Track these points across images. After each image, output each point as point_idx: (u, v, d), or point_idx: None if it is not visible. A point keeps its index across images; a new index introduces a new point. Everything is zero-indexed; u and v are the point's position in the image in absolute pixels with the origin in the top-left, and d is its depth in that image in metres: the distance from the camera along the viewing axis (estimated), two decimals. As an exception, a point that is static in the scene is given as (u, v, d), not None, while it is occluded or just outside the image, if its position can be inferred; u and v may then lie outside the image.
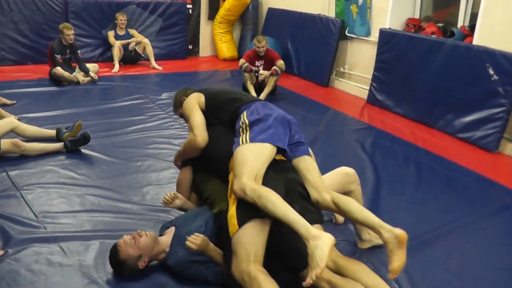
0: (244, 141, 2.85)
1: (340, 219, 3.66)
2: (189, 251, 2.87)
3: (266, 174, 2.76)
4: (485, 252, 3.50)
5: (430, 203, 4.18)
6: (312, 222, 2.69)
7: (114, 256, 2.94)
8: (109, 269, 3.04)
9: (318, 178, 2.92)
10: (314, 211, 2.82)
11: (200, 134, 3.23)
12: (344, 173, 3.31)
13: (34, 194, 4.01)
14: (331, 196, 2.84)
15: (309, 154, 3.02)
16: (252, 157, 2.75)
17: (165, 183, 4.31)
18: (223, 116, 3.28)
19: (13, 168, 4.44)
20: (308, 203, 2.84)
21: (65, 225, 3.57)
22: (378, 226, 2.64)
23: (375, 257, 3.29)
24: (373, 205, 4.00)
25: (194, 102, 3.39)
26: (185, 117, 3.50)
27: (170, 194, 3.37)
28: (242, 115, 3.05)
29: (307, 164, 2.95)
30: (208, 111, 3.37)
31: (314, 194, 2.87)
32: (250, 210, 2.58)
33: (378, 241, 3.32)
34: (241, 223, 2.57)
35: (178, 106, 3.74)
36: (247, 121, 2.97)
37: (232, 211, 2.65)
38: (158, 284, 2.97)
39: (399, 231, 2.56)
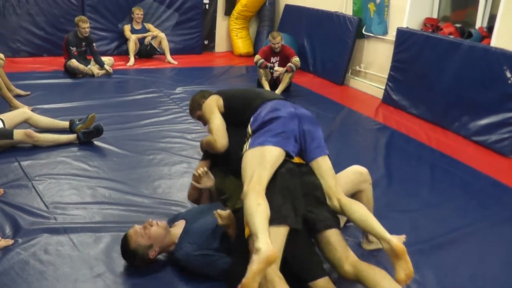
0: (245, 149, 2.88)
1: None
2: (218, 223, 2.86)
3: (282, 178, 2.76)
4: (500, 257, 3.44)
5: (444, 205, 4.12)
6: (323, 228, 2.75)
7: (125, 245, 2.93)
8: (118, 262, 3.04)
9: (329, 183, 2.88)
10: (327, 217, 2.80)
11: (220, 139, 3.25)
12: (357, 172, 3.27)
13: (45, 184, 4.02)
14: (339, 203, 2.82)
15: (324, 155, 2.96)
16: (249, 163, 2.77)
17: (177, 177, 4.30)
18: (240, 118, 3.24)
19: (25, 158, 4.46)
20: (323, 208, 2.83)
21: (76, 217, 3.57)
22: (379, 236, 2.63)
23: (383, 257, 3.24)
24: (386, 206, 3.95)
25: (214, 105, 3.38)
26: (204, 120, 3.50)
27: (204, 170, 3.32)
28: (249, 123, 3.06)
29: (320, 169, 2.91)
30: (226, 114, 3.36)
31: (328, 200, 2.87)
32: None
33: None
34: None
35: (196, 109, 3.70)
36: (249, 131, 2.99)
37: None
38: (164, 280, 2.96)
39: (395, 244, 2.53)
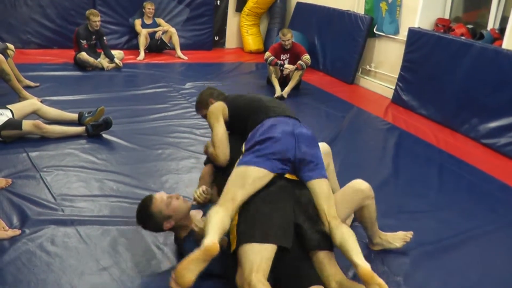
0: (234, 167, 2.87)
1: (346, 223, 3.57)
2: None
3: (272, 194, 2.76)
4: (507, 262, 3.41)
5: (451, 207, 4.09)
6: (312, 247, 2.74)
7: (146, 207, 2.91)
8: (125, 256, 3.05)
9: (322, 207, 2.82)
10: (316, 238, 2.76)
11: (221, 153, 3.25)
12: (358, 190, 3.11)
13: (53, 176, 4.03)
14: (329, 226, 2.76)
15: (319, 177, 2.88)
16: (231, 182, 2.78)
17: (184, 172, 4.30)
18: (243, 130, 3.23)
19: (33, 149, 4.47)
20: (314, 227, 2.79)
21: (83, 209, 3.58)
22: (350, 260, 2.56)
23: (390, 259, 3.24)
24: (393, 206, 3.94)
25: (219, 113, 3.37)
26: (208, 123, 3.47)
27: (206, 190, 3.31)
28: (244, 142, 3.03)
29: (314, 192, 2.85)
30: (230, 123, 3.36)
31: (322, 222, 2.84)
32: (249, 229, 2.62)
33: (389, 245, 3.29)
34: (238, 241, 2.61)
35: (203, 107, 3.68)
36: (242, 150, 2.96)
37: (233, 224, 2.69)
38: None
39: (362, 268, 2.45)
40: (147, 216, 2.91)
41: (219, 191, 3.46)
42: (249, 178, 2.73)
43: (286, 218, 2.72)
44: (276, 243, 2.60)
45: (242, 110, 3.35)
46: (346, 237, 2.67)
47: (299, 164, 2.86)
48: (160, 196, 2.93)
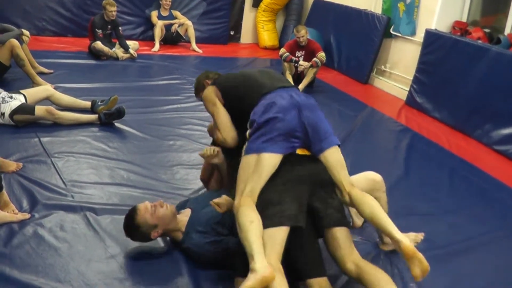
0: (242, 154, 2.81)
1: (358, 223, 3.55)
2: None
3: (284, 173, 2.71)
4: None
5: (461, 212, 4.05)
6: (328, 225, 2.70)
7: (131, 218, 2.91)
8: (133, 245, 3.04)
9: (338, 177, 2.78)
10: (333, 214, 2.73)
11: (228, 136, 3.16)
12: (371, 179, 3.15)
13: (64, 162, 4.04)
14: (350, 197, 2.74)
15: (331, 146, 2.81)
16: (243, 172, 2.72)
17: (195, 164, 4.28)
18: (239, 113, 3.13)
19: (45, 135, 4.49)
20: (330, 204, 2.75)
21: (93, 196, 3.59)
22: (389, 235, 2.57)
23: (399, 261, 3.21)
24: (403, 208, 3.91)
25: (214, 97, 3.24)
26: (207, 111, 3.38)
27: (218, 152, 3.30)
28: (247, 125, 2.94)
29: (327, 162, 2.78)
30: (226, 106, 3.23)
31: (338, 194, 2.80)
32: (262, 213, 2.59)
33: None
34: None
35: (200, 90, 3.61)
36: (247, 135, 2.88)
37: None
38: (178, 264, 2.96)
39: (404, 246, 2.45)
40: (133, 228, 2.92)
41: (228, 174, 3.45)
42: (262, 166, 2.67)
43: (299, 199, 2.67)
44: (289, 224, 2.58)
45: (234, 90, 3.21)
46: (377, 210, 2.66)
47: (306, 135, 2.76)
48: (144, 206, 2.93)
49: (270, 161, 2.69)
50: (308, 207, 2.70)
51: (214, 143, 3.50)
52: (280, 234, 2.53)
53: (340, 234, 2.70)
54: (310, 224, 2.72)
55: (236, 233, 2.61)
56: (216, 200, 2.86)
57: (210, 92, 3.27)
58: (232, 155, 3.26)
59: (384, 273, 2.60)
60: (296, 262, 2.67)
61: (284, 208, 2.60)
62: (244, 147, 2.84)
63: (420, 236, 3.23)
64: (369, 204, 2.70)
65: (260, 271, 2.29)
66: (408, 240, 2.49)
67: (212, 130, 3.45)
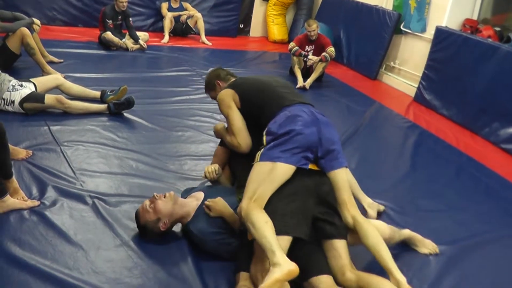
0: (256, 159, 2.83)
1: (373, 214, 3.57)
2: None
3: (292, 183, 2.75)
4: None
5: (467, 209, 4.05)
6: (331, 236, 2.75)
7: (136, 222, 3.01)
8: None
9: (343, 198, 2.85)
10: (336, 226, 2.78)
11: (243, 141, 3.21)
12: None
13: (73, 150, 4.07)
14: (354, 221, 2.80)
15: (341, 167, 2.91)
16: (256, 177, 2.74)
17: (203, 155, 4.31)
18: (256, 120, 3.18)
19: (55, 123, 4.52)
20: (333, 216, 2.81)
21: (102, 185, 3.62)
22: (389, 272, 2.62)
23: (402, 256, 3.22)
24: (410, 204, 3.93)
25: (230, 100, 3.26)
26: (221, 112, 3.39)
27: (218, 170, 3.37)
28: (264, 132, 2.97)
29: (336, 182, 2.86)
30: (242, 111, 3.26)
31: (341, 214, 2.85)
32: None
33: (415, 247, 3.30)
34: None
35: (210, 89, 3.66)
36: (264, 141, 2.91)
37: None
38: (187, 252, 2.98)
39: (404, 286, 2.53)
40: (141, 229, 3.00)
41: (233, 175, 3.49)
42: (276, 175, 2.72)
43: (304, 210, 2.72)
44: (292, 235, 2.62)
45: (253, 97, 3.24)
46: (380, 245, 2.72)
47: (321, 152, 2.85)
48: (142, 208, 2.98)
49: (284, 171, 2.74)
50: (312, 218, 2.76)
51: (222, 143, 3.53)
52: (283, 242, 2.55)
53: (341, 246, 2.75)
54: (314, 231, 2.78)
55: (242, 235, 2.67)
56: (209, 202, 2.91)
57: (228, 95, 3.30)
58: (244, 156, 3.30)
59: (386, 280, 2.62)
60: (299, 261, 2.69)
61: (288, 219, 2.64)
62: (259, 152, 2.86)
63: (436, 250, 3.30)
64: (373, 236, 2.76)
65: (285, 264, 2.33)
66: (405, 279, 2.56)
67: (221, 131, 3.48)
